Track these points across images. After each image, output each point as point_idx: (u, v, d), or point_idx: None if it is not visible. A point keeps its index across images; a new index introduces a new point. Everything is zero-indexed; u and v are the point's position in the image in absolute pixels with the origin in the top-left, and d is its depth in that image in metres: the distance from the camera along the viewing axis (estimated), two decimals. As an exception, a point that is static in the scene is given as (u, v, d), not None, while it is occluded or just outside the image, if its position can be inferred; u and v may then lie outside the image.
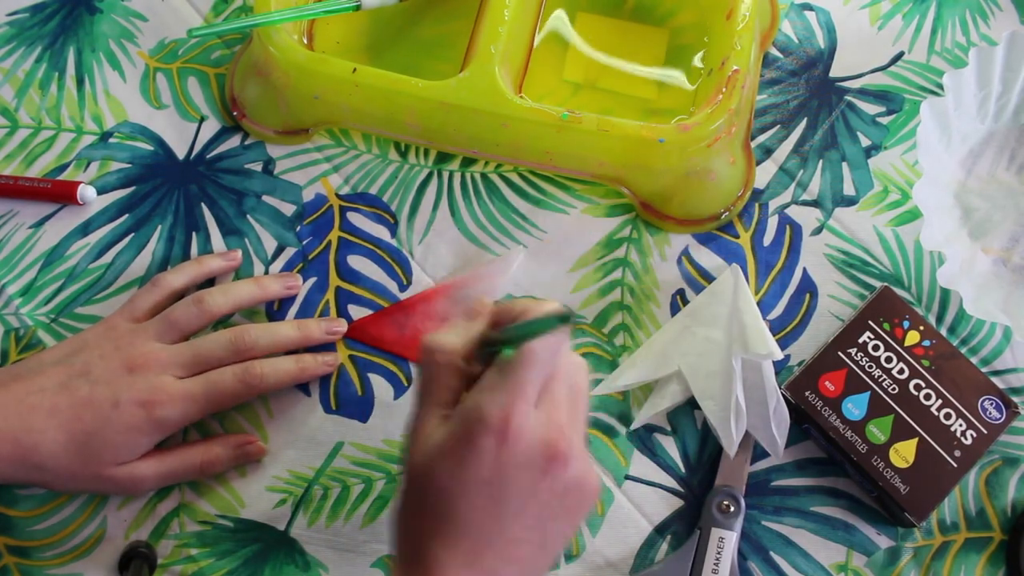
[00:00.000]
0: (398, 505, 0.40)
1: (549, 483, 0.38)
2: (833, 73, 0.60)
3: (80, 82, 0.60)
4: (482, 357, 0.39)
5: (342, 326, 0.53)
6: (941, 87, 0.57)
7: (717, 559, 0.49)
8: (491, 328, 0.40)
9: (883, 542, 0.50)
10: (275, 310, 0.55)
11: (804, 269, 0.55)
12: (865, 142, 0.58)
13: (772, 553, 0.50)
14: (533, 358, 0.38)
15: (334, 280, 0.55)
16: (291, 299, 0.55)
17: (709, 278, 0.55)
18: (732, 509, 0.50)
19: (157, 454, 0.49)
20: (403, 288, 0.55)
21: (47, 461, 0.46)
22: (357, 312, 0.54)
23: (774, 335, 0.53)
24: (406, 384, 0.53)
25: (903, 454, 0.49)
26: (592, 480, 0.39)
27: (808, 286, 0.55)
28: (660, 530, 0.51)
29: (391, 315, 0.54)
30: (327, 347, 0.54)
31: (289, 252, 0.56)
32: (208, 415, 0.50)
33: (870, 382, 0.50)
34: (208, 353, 0.49)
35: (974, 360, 0.53)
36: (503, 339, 0.38)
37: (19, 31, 0.61)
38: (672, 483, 0.51)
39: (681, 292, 0.55)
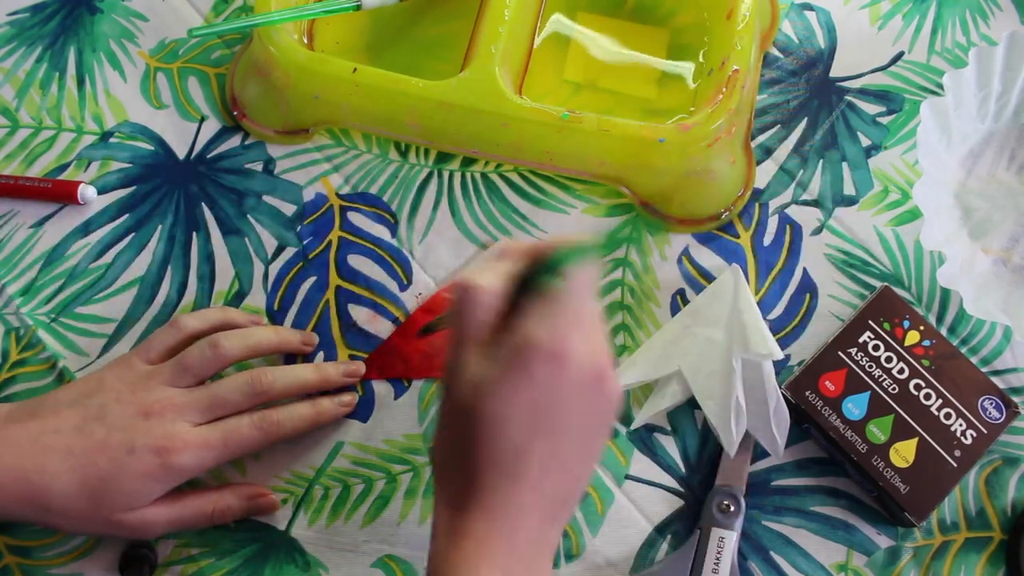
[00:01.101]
0: (441, 446, 0.41)
1: (593, 399, 0.39)
2: (833, 73, 0.60)
3: (80, 82, 0.60)
4: (521, 292, 0.40)
5: (361, 369, 0.53)
6: (941, 87, 0.57)
7: (717, 559, 0.49)
8: (530, 262, 0.41)
9: (883, 542, 0.50)
10: (275, 310, 0.55)
11: (804, 269, 0.55)
12: (865, 142, 0.58)
13: (772, 553, 0.50)
14: (579, 285, 0.39)
15: (334, 279, 0.55)
16: (290, 300, 0.55)
17: (709, 278, 0.55)
18: (732, 509, 0.50)
19: (169, 500, 0.48)
20: (403, 288, 0.55)
21: (57, 503, 0.46)
22: (357, 312, 0.54)
23: (774, 335, 0.53)
24: (406, 384, 0.53)
25: (903, 454, 0.49)
26: (621, 395, 0.42)
27: (808, 286, 0.55)
28: (660, 530, 0.51)
29: (397, 343, 0.54)
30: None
31: (289, 252, 0.56)
32: (224, 463, 0.49)
33: (870, 382, 0.50)
34: (225, 397, 0.48)
35: (974, 360, 0.53)
36: (544, 268, 0.39)
37: (20, 31, 0.61)
38: (672, 483, 0.51)
39: (681, 292, 0.55)
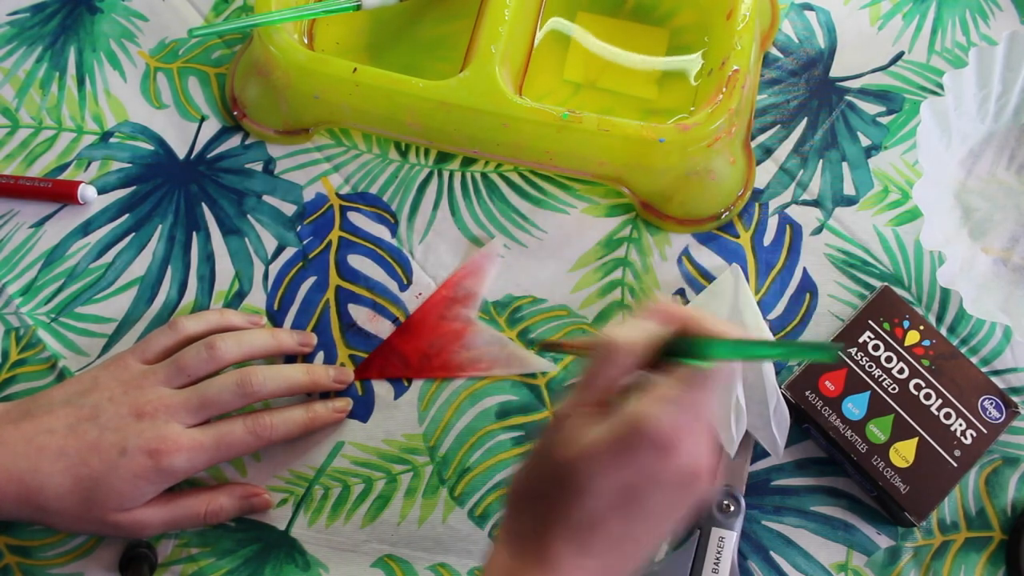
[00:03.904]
0: (524, 483, 0.40)
1: (686, 498, 0.38)
2: (833, 73, 0.60)
3: (81, 82, 0.60)
4: (658, 363, 0.38)
5: (350, 377, 0.53)
6: (941, 87, 0.57)
7: (717, 559, 0.49)
8: (681, 333, 0.39)
9: (883, 542, 0.50)
10: (275, 310, 0.55)
11: (804, 269, 0.55)
12: (865, 142, 0.58)
13: (772, 553, 0.50)
14: (719, 379, 0.37)
15: (334, 279, 0.55)
16: (290, 300, 0.55)
17: (709, 278, 0.55)
18: (732, 509, 0.50)
19: (162, 501, 0.48)
20: (403, 288, 0.55)
21: (51, 504, 0.46)
22: (357, 312, 0.55)
23: (774, 335, 0.53)
24: (406, 384, 0.53)
25: (903, 454, 0.49)
26: (711, 491, 0.40)
27: (808, 286, 0.55)
28: (660, 530, 0.51)
29: (396, 343, 0.54)
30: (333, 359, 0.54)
31: (289, 252, 0.56)
32: (215, 464, 0.49)
33: (870, 382, 0.50)
34: (215, 397, 0.48)
35: (974, 360, 0.53)
36: (693, 346, 0.37)
37: (20, 31, 0.61)
38: (672, 483, 0.51)
39: (681, 292, 0.55)
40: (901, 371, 0.51)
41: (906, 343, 0.51)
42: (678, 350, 0.38)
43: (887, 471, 0.49)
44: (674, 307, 0.40)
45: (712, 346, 0.37)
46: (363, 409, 0.53)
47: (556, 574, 0.37)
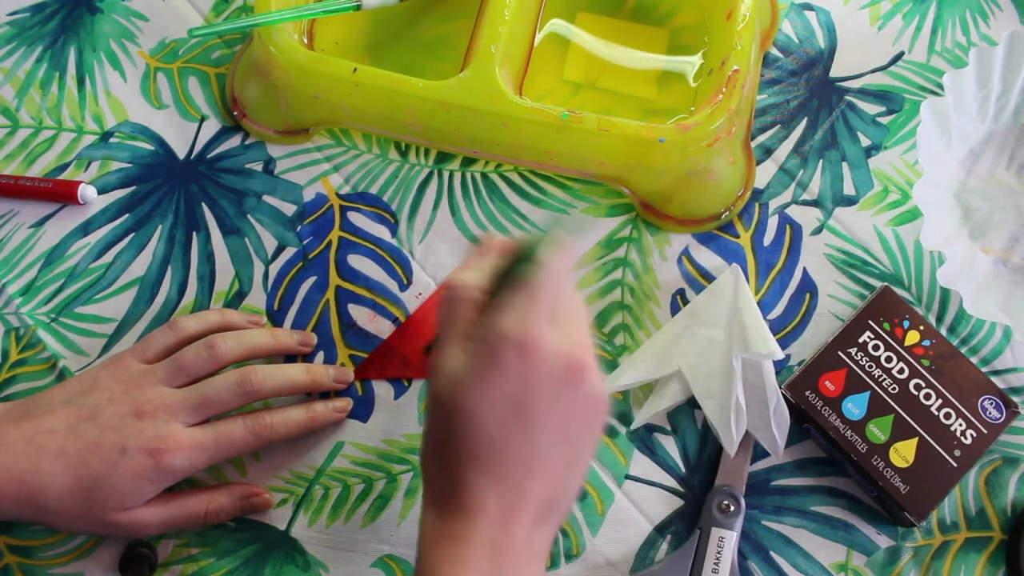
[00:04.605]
0: (425, 444, 0.41)
1: (570, 394, 0.39)
2: (833, 73, 0.60)
3: (81, 82, 0.60)
4: (500, 287, 0.40)
5: (350, 376, 0.53)
6: (941, 87, 0.57)
7: (717, 559, 0.49)
8: (508, 255, 0.41)
9: (883, 542, 0.50)
10: (275, 310, 0.55)
11: (804, 269, 0.55)
12: (865, 142, 0.58)
13: (772, 553, 0.50)
14: (544, 275, 0.39)
15: (334, 279, 0.55)
16: (290, 300, 0.55)
17: (709, 278, 0.55)
18: (732, 509, 0.50)
19: (162, 500, 0.48)
20: (403, 288, 0.55)
21: (52, 503, 0.46)
22: (357, 312, 0.55)
23: (774, 335, 0.53)
24: (406, 384, 0.53)
25: (903, 454, 0.49)
26: (607, 395, 0.40)
27: (808, 286, 0.55)
28: (660, 530, 0.51)
29: (396, 343, 0.54)
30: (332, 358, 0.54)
31: (289, 252, 0.56)
32: (215, 464, 0.49)
33: (870, 382, 0.50)
34: (215, 396, 0.48)
35: (974, 360, 0.53)
36: (515, 259, 0.39)
37: (20, 31, 0.61)
38: (672, 483, 0.51)
39: (681, 292, 0.55)
40: (901, 371, 0.51)
41: (906, 343, 0.51)
42: (512, 272, 0.40)
43: (887, 471, 0.49)
44: (503, 239, 0.43)
45: (527, 248, 0.39)
46: (363, 409, 0.53)
47: (477, 513, 0.38)
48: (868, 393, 0.50)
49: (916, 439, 0.49)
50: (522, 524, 0.38)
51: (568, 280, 0.41)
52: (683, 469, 0.52)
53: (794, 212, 0.56)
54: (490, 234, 0.43)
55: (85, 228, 0.57)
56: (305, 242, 0.56)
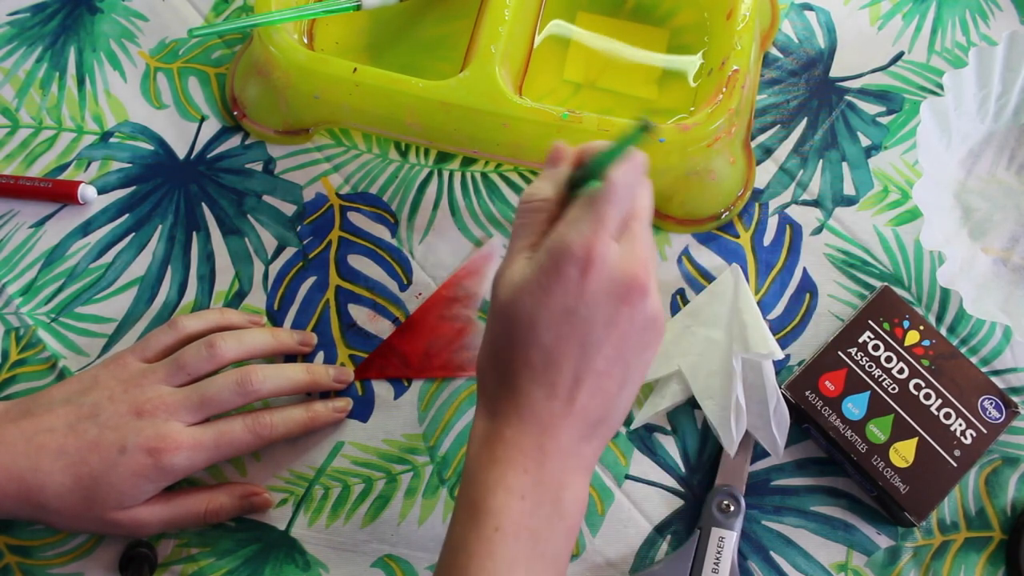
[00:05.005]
0: (482, 351, 0.41)
1: (628, 314, 0.39)
2: (833, 73, 0.60)
3: (81, 82, 0.60)
4: (570, 199, 0.40)
5: (350, 376, 0.53)
6: (941, 87, 0.58)
7: (717, 559, 0.49)
8: (575, 167, 0.41)
9: (883, 542, 0.50)
10: (275, 310, 0.55)
11: (804, 269, 0.55)
12: (865, 142, 0.58)
13: (772, 553, 0.50)
14: (614, 188, 0.39)
15: (334, 279, 0.55)
16: (290, 300, 0.55)
17: (709, 278, 0.55)
18: (732, 509, 0.50)
19: (162, 499, 0.48)
20: (403, 288, 0.55)
21: (51, 502, 0.46)
22: (357, 312, 0.55)
23: (774, 335, 0.53)
24: (406, 384, 0.53)
25: (903, 454, 0.49)
26: (662, 317, 0.40)
27: (808, 286, 0.55)
28: (660, 530, 0.51)
29: (396, 343, 0.54)
30: (332, 358, 0.54)
31: (289, 252, 0.56)
32: (215, 463, 0.49)
33: (870, 382, 0.50)
34: (215, 395, 0.48)
35: (974, 360, 0.53)
36: (586, 171, 0.39)
37: (20, 31, 0.62)
38: (672, 483, 0.51)
39: (681, 292, 0.55)
40: (901, 371, 0.51)
41: (906, 343, 0.51)
42: (579, 181, 0.40)
43: (887, 471, 0.49)
44: (568, 147, 0.43)
45: (595, 161, 0.39)
46: (363, 409, 0.53)
47: (527, 418, 0.39)
48: (868, 393, 0.50)
49: (916, 439, 0.49)
50: (571, 433, 0.39)
51: (639, 196, 0.41)
52: (683, 469, 0.52)
53: (794, 212, 0.56)
54: (566, 145, 0.42)
55: (85, 228, 0.57)
56: (305, 242, 0.56)
